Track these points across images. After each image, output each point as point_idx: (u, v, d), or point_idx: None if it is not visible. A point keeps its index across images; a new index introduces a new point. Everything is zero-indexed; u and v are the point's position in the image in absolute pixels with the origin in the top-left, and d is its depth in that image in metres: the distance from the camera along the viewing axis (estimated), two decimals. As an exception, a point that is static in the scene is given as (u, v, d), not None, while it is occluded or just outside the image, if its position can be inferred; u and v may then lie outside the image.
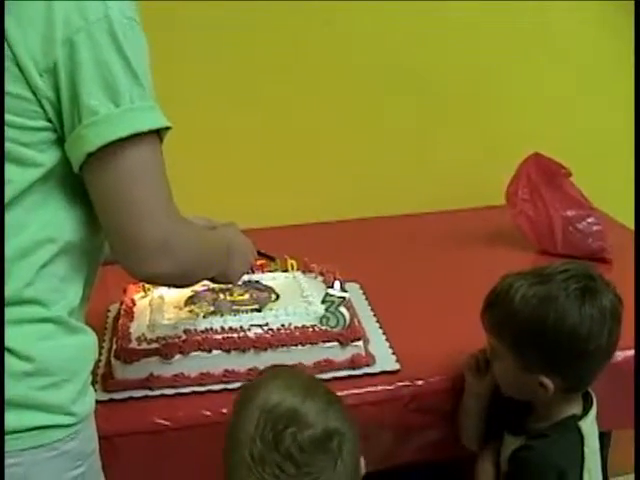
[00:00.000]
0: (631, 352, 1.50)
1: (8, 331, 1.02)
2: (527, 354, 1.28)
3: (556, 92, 2.31)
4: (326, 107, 2.19)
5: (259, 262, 1.66)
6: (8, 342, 1.02)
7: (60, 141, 1.04)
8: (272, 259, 1.68)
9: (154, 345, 1.42)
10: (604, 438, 1.96)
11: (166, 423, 1.34)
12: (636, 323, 1.50)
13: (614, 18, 2.26)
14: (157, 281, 1.19)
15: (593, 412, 1.34)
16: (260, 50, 2.09)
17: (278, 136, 2.18)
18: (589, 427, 1.32)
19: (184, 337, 1.43)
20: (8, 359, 1.02)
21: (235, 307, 1.54)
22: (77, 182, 1.06)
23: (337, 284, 1.52)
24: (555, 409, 1.32)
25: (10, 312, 1.03)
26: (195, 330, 1.46)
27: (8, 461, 1.02)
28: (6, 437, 1.02)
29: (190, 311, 1.53)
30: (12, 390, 1.02)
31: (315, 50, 2.14)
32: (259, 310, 1.53)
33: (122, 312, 1.56)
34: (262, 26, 2.06)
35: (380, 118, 2.22)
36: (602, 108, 2.34)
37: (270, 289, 1.61)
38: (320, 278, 1.70)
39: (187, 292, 1.58)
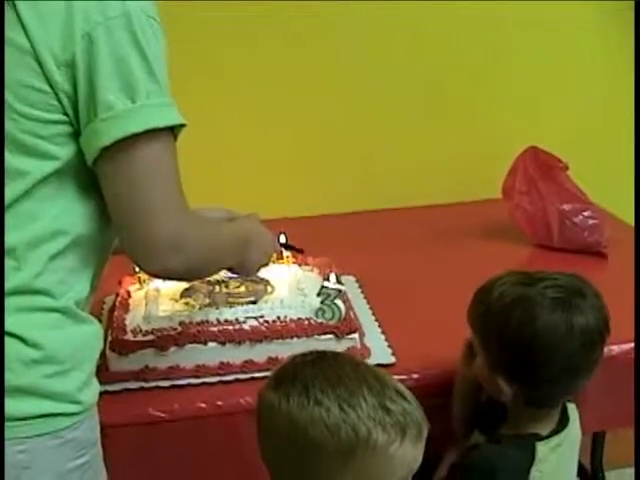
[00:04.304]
0: (629, 345, 1.50)
1: (17, 318, 1.04)
2: (492, 353, 1.27)
3: (554, 85, 2.30)
4: (324, 103, 2.19)
5: None
6: (17, 329, 1.04)
7: (76, 135, 1.05)
8: (299, 251, 1.68)
9: (149, 337, 1.42)
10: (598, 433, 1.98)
11: (161, 415, 1.33)
12: (636, 318, 1.50)
13: (614, 11, 2.26)
14: (168, 276, 1.19)
15: (562, 436, 1.30)
16: (266, 48, 2.09)
17: (276, 131, 2.18)
18: (549, 452, 1.27)
19: (179, 329, 1.43)
20: (17, 346, 1.04)
21: (231, 299, 1.54)
22: (91, 176, 1.07)
23: (333, 277, 1.52)
24: (522, 421, 1.29)
25: (20, 300, 1.05)
26: (190, 322, 1.45)
27: (14, 448, 1.03)
28: (12, 424, 1.03)
29: (186, 303, 1.53)
30: (20, 377, 1.04)
31: (319, 47, 2.14)
32: (255, 302, 1.53)
33: (117, 304, 1.56)
34: (267, 24, 2.07)
35: (377, 112, 2.22)
36: (599, 102, 2.34)
37: (266, 281, 1.61)
38: (316, 271, 1.70)
39: (183, 284, 1.58)
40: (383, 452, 0.99)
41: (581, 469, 2.01)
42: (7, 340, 1.03)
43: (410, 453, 1.02)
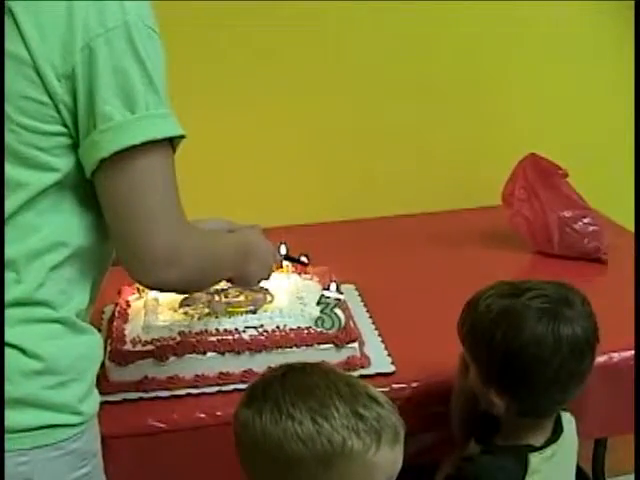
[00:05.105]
0: (629, 352, 1.50)
1: (18, 330, 1.04)
2: (482, 366, 1.27)
3: (553, 93, 2.30)
4: (323, 109, 2.18)
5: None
6: (18, 341, 1.04)
7: (75, 146, 1.05)
8: (303, 264, 1.67)
9: (149, 347, 1.42)
10: (600, 440, 1.97)
11: (161, 425, 1.33)
12: (636, 324, 1.50)
13: (613, 18, 2.26)
14: (164, 289, 1.19)
15: (556, 447, 1.29)
16: (262, 52, 2.09)
17: (275, 138, 2.17)
18: (542, 462, 1.27)
19: (179, 339, 1.43)
20: (18, 357, 1.04)
21: (230, 309, 1.53)
22: (91, 188, 1.07)
23: (333, 286, 1.52)
24: (515, 432, 1.29)
25: (20, 312, 1.05)
26: (190, 332, 1.45)
27: (15, 460, 1.03)
28: (13, 435, 1.03)
29: (185, 313, 1.53)
30: (21, 389, 1.04)
31: (316, 51, 2.14)
32: (254, 312, 1.52)
33: (116, 314, 1.55)
34: (263, 27, 2.06)
35: (377, 119, 2.22)
36: (599, 109, 2.33)
37: (265, 290, 1.60)
38: (316, 279, 1.69)
39: (182, 294, 1.58)
40: (360, 459, 0.99)
41: (583, 476, 2.00)
42: (7, 351, 1.03)
43: (389, 457, 1.02)
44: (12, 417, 1.03)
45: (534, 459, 1.26)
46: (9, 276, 1.05)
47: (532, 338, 1.20)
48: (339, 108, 2.19)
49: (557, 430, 1.31)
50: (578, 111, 2.32)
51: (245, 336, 1.44)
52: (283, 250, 1.61)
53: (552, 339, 1.20)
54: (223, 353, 1.41)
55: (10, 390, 1.03)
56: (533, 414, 1.28)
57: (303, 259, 1.66)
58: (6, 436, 1.02)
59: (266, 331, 1.45)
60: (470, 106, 2.27)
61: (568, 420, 1.35)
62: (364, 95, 2.20)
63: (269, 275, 1.45)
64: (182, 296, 1.57)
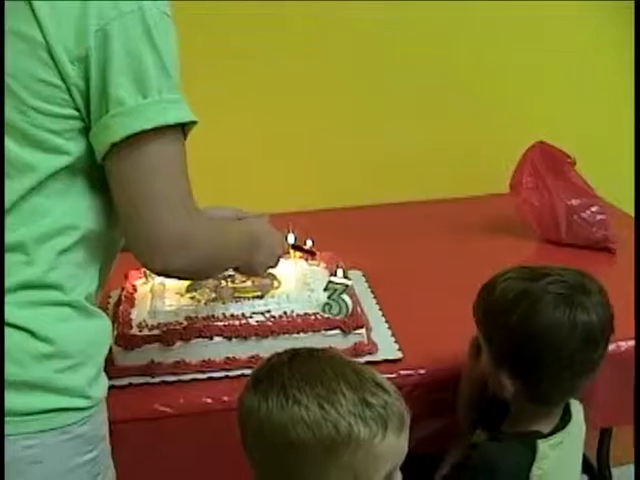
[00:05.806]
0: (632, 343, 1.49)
1: (28, 312, 1.04)
2: (495, 348, 1.26)
3: (560, 80, 2.30)
4: (331, 95, 2.18)
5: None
6: (28, 324, 1.04)
7: (86, 130, 1.05)
8: (311, 253, 1.67)
9: (155, 332, 1.42)
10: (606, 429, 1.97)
11: (167, 410, 1.33)
12: (636, 314, 1.49)
13: (616, 5, 2.24)
14: (172, 275, 1.18)
15: (564, 434, 1.29)
16: (272, 46, 2.08)
17: (284, 124, 2.17)
18: (550, 449, 1.26)
19: (185, 324, 1.43)
20: (28, 340, 1.04)
21: (237, 294, 1.53)
22: (101, 172, 1.07)
23: (340, 272, 1.52)
24: (523, 419, 1.29)
25: (30, 295, 1.05)
26: (196, 317, 1.45)
27: (22, 443, 1.03)
28: (21, 418, 1.03)
29: (191, 298, 1.53)
30: (31, 372, 1.04)
31: (324, 45, 2.13)
32: (261, 297, 1.52)
33: (123, 298, 1.55)
34: (267, 18, 2.06)
35: (383, 107, 2.21)
36: (607, 97, 2.33)
37: (272, 276, 1.60)
38: (323, 265, 1.69)
39: (189, 278, 1.57)
40: (366, 446, 0.99)
41: (587, 465, 2.00)
42: (18, 334, 1.03)
43: (394, 444, 1.01)
44: (20, 400, 1.03)
45: (542, 446, 1.25)
46: (19, 258, 1.05)
47: (548, 322, 1.20)
48: (346, 95, 2.19)
49: (565, 418, 1.31)
50: (585, 99, 2.33)
51: (252, 321, 1.44)
52: (291, 239, 1.61)
53: (568, 325, 1.20)
54: (230, 338, 1.41)
55: (20, 373, 1.03)
56: (542, 401, 1.28)
57: (310, 245, 1.66)
58: (13, 419, 1.02)
59: (273, 316, 1.45)
60: (477, 92, 2.26)
61: (577, 409, 1.34)
62: (370, 83, 2.19)
63: (276, 264, 1.46)
64: (189, 281, 1.57)
